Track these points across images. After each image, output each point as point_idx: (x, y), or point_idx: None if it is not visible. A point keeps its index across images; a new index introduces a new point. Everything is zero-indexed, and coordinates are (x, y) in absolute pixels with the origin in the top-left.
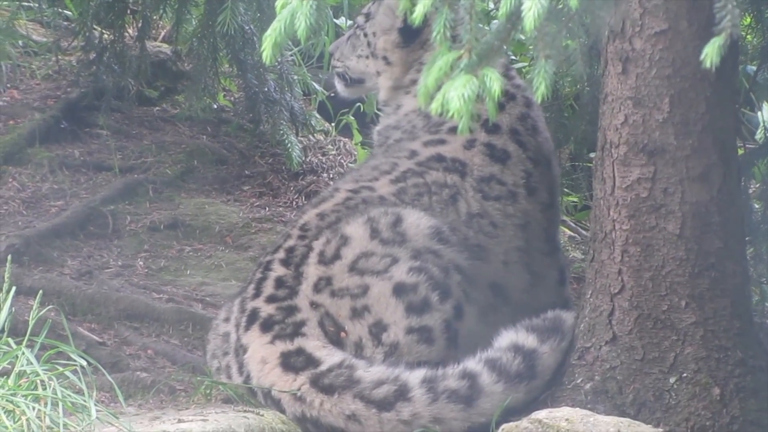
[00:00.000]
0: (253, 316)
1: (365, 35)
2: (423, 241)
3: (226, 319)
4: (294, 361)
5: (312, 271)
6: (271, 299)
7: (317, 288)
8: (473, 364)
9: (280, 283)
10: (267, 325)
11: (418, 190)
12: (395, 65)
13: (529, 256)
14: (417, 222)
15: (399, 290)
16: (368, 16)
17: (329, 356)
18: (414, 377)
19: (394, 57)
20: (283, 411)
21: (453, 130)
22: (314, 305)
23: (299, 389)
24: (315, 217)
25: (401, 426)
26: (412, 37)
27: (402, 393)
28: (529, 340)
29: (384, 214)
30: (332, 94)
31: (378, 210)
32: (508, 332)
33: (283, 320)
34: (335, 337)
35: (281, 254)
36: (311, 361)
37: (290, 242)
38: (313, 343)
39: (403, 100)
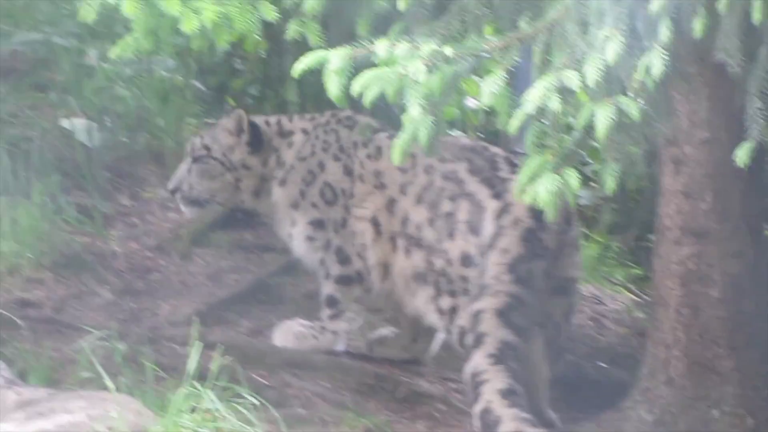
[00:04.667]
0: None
1: (215, 159)
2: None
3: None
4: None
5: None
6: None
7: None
8: None
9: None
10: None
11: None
12: (255, 167)
13: None
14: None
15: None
16: (208, 147)
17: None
18: None
19: (253, 161)
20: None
21: None
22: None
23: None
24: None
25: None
26: (259, 144)
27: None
28: None
29: None
30: None
31: None
32: None
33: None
34: None
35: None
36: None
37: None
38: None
39: (284, 153)
